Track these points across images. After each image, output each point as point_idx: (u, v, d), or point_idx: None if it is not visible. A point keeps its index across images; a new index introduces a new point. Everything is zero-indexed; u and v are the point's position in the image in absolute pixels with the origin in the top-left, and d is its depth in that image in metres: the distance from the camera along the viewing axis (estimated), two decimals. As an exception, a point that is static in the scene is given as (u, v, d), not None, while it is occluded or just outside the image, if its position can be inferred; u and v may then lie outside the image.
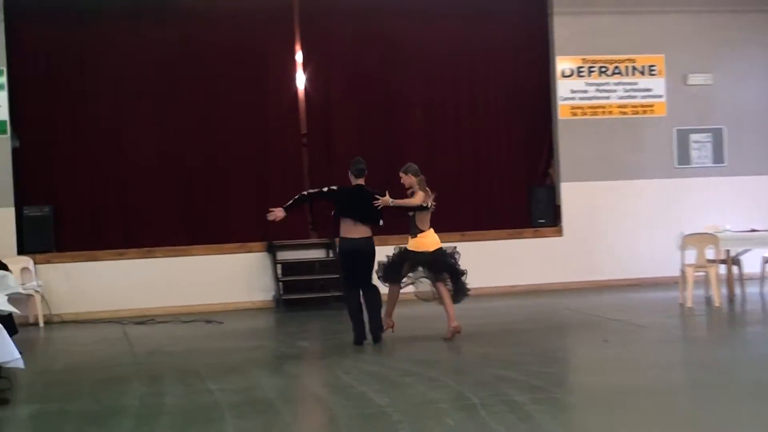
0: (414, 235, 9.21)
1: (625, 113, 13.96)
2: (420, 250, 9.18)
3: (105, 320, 11.87)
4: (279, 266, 12.61)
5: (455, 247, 9.47)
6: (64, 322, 11.91)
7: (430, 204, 9.24)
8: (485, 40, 13.76)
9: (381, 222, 9.20)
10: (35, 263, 11.98)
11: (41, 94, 12.45)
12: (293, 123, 13.24)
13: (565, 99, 13.83)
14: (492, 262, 13.25)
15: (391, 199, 9.05)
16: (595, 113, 13.91)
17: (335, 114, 13.38)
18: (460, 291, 9.29)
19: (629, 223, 13.74)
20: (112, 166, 12.65)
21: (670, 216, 13.78)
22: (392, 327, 9.27)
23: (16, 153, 12.22)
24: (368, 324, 9.15)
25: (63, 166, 12.53)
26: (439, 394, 6.79)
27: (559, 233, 13.68)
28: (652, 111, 14.02)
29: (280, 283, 12.52)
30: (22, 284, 11.00)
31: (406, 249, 9.31)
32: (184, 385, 7.51)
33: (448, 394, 6.82)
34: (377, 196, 9.01)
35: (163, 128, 12.81)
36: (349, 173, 9.26)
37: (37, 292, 11.71)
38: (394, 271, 9.28)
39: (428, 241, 9.24)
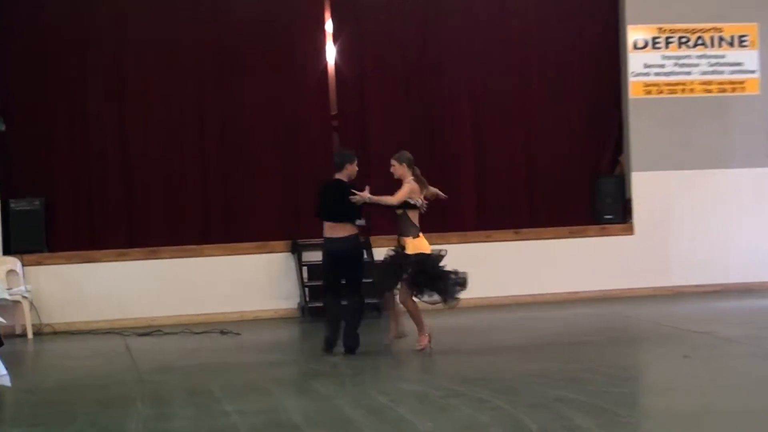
0: (415, 236, 9.40)
1: (709, 91, 13.80)
2: (418, 251, 9.36)
3: (104, 331, 11.93)
4: (305, 269, 12.65)
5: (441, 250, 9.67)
6: (57, 333, 11.97)
7: (420, 202, 9.37)
8: (541, 7, 13.72)
9: (361, 221, 9.45)
10: (23, 265, 12.02)
11: (32, 72, 12.58)
12: (322, 103, 13.33)
13: (638, 75, 13.70)
14: (550, 264, 13.30)
15: (368, 195, 9.24)
16: (673, 91, 13.76)
17: (370, 92, 13.45)
18: (450, 294, 9.45)
19: (713, 220, 13.66)
20: (113, 153, 12.75)
21: (764, 211, 13.63)
22: (428, 342, 9.41)
23: (1, 138, 12.30)
24: (343, 333, 9.46)
25: (56, 152, 12.63)
26: (489, 418, 6.77)
27: (630, 231, 13.60)
28: (742, 89, 13.85)
29: (306, 289, 12.55)
30: (8, 289, 11.12)
31: (403, 252, 9.41)
32: (195, 406, 7.53)
33: (499, 417, 6.78)
34: (354, 192, 9.20)
35: (173, 110, 12.93)
36: None
37: (25, 298, 11.77)
38: (394, 278, 9.41)
39: (426, 243, 9.46)
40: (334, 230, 9.45)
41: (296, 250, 12.72)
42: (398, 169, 9.48)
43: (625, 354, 9.52)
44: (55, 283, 12.21)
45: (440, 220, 13.06)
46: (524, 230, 13.42)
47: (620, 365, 8.80)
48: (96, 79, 12.71)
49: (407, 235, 9.39)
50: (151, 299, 12.39)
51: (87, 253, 12.42)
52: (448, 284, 9.46)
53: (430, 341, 9.49)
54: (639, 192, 13.62)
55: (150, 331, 11.79)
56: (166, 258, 12.50)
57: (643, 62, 13.69)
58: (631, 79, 13.67)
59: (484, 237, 13.30)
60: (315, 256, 12.69)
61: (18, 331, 11.88)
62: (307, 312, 12.41)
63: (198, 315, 12.39)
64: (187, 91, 12.89)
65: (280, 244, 12.75)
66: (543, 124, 13.83)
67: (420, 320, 9.51)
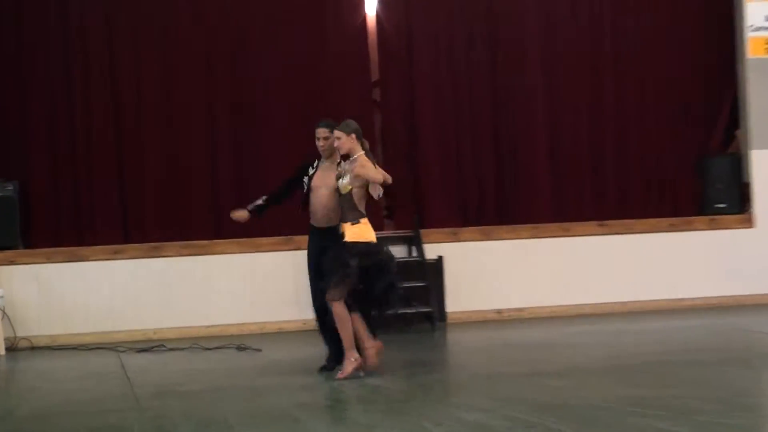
0: (355, 221, 9.40)
1: None
2: (365, 240, 9.43)
3: (93, 346, 12.01)
4: None
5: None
6: (35, 349, 12.08)
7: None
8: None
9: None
10: (-8, 264, 12.20)
11: (6, 25, 12.76)
12: (359, 66, 13.46)
13: (758, 29, 13.53)
14: (645, 264, 13.47)
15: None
16: (802, 49, 13.63)
17: (420, 54, 13.53)
18: (389, 306, 9.64)
19: None
20: (106, 127, 12.88)
21: None
22: (372, 358, 9.49)
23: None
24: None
25: (34, 125, 12.75)
26: (569, 456, 6.70)
27: (748, 223, 13.58)
28: None
29: None
30: (-26, 295, 11.26)
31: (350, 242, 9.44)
32: (204, 439, 7.53)
33: (583, 456, 6.71)
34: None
35: (178, 76, 13.09)
36: None
37: (-5, 305, 11.92)
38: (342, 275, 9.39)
39: (370, 231, 9.52)
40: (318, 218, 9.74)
41: None
42: (345, 142, 9.42)
43: (744, 376, 9.33)
44: (32, 287, 12.32)
45: (507, 210, 13.10)
46: (611, 222, 13.56)
47: (737, 390, 8.63)
48: (83, 40, 12.89)
49: (347, 220, 9.41)
50: (152, 307, 12.51)
51: (72, 250, 12.53)
52: (392, 292, 9.51)
53: (361, 366, 9.42)
54: (760, 174, 13.55)
55: (150, 346, 11.86)
56: (170, 256, 12.63)
57: (765, 14, 13.47)
58: (749, 35, 13.57)
59: (561, 231, 13.54)
60: None
61: (-13, 346, 11.98)
62: None
63: (209, 327, 12.48)
64: (194, 55, 13.10)
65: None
66: (635, 93, 13.93)
67: (349, 331, 9.39)
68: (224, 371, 10.38)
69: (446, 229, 13.28)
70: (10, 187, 12.32)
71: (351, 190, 9.39)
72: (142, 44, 13.00)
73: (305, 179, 9.69)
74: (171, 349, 11.65)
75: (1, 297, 11.92)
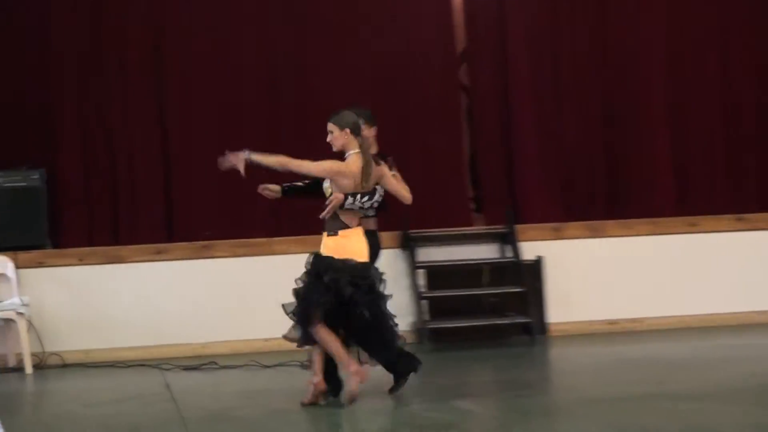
0: (332, 232, 9.43)
1: None
2: (342, 256, 9.40)
3: (134, 363, 12.10)
4: (422, 272, 12.84)
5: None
6: (66, 366, 12.14)
7: (351, 199, 9.29)
8: None
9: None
10: (17, 267, 12.25)
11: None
12: (443, 39, 13.46)
13: None
14: None
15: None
16: None
17: (514, 22, 13.46)
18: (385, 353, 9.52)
19: None
20: (148, 105, 13.00)
21: None
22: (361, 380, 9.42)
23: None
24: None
25: (66, 103, 12.81)
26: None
27: None
28: None
29: (424, 302, 12.68)
30: (-5, 302, 11.32)
31: (322, 256, 9.55)
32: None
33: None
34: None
35: (231, 55, 13.16)
36: None
37: (20, 315, 11.92)
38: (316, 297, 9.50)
39: (359, 246, 9.44)
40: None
41: (408, 246, 12.92)
42: (338, 138, 9.47)
43: None
44: (63, 294, 12.41)
45: (620, 202, 13.00)
46: (750, 216, 13.43)
47: None
48: (121, 7, 12.95)
49: (325, 229, 9.47)
50: (202, 317, 12.58)
51: (109, 250, 12.64)
52: (385, 332, 9.44)
53: (364, 377, 9.37)
54: None
55: (200, 363, 11.92)
56: (221, 257, 12.70)
57: None
58: None
59: (687, 226, 13.46)
60: (436, 254, 12.69)
61: (11, 363, 12.14)
62: (425, 335, 12.55)
63: (267, 340, 12.40)
64: (251, 32, 13.22)
65: (383, 236, 12.61)
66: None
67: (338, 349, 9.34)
68: (286, 393, 10.29)
69: (547, 225, 13.29)
70: (36, 176, 12.45)
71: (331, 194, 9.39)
72: (195, 19, 13.15)
73: None
74: (224, 367, 11.73)
75: (27, 305, 12.00)
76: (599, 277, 13.10)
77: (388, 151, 9.97)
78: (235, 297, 12.59)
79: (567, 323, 12.96)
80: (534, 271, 12.89)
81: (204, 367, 11.74)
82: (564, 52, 13.65)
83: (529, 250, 12.94)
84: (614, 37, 13.74)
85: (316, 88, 13.26)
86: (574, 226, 13.26)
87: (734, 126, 13.79)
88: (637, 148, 13.65)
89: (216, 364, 11.81)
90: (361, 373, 9.23)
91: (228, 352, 12.34)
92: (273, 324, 12.35)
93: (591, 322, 13.02)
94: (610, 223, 13.32)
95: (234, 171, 13.07)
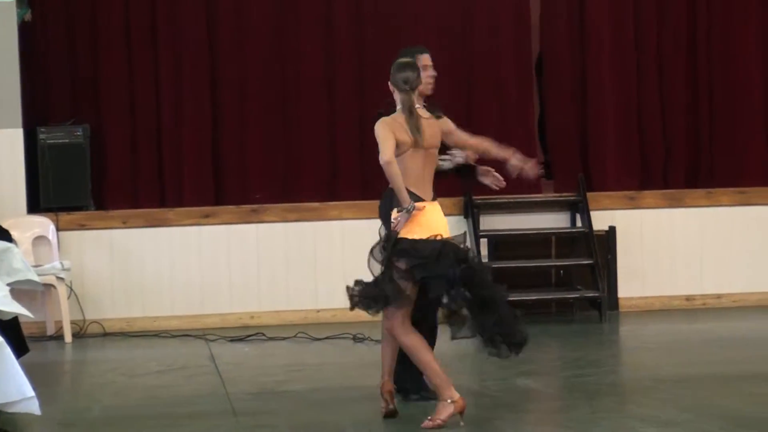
0: (398, 207, 8.45)
1: None
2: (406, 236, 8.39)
3: (178, 333, 12.22)
4: (485, 241, 12.82)
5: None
6: (108, 335, 12.31)
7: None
8: None
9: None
10: (58, 228, 12.34)
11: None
12: (519, 39, 13.52)
13: None
14: None
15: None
16: None
17: (592, 22, 13.38)
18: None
19: None
20: (195, 62, 13.02)
21: None
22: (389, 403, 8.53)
23: (26, 31, 12.56)
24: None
25: (108, 55, 12.89)
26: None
27: None
28: None
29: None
30: (36, 266, 11.20)
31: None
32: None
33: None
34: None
35: (285, 20, 13.26)
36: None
37: (60, 279, 11.99)
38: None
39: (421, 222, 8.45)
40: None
41: (472, 213, 12.86)
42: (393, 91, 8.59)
43: None
44: (105, 258, 12.53)
45: (702, 169, 12.90)
46: None
47: None
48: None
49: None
50: (249, 285, 12.65)
51: (154, 213, 12.76)
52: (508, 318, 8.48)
53: (460, 410, 8.26)
54: None
55: (246, 334, 11.99)
56: (272, 221, 12.78)
57: None
58: None
59: None
60: (501, 222, 12.69)
61: (50, 330, 12.25)
62: None
63: (319, 311, 12.52)
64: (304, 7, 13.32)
65: (445, 202, 12.60)
66: None
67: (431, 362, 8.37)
68: (338, 367, 10.47)
69: (621, 193, 13.18)
70: (79, 132, 12.50)
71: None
72: None
73: None
74: (271, 339, 11.80)
75: (68, 270, 12.03)
76: (676, 249, 13.02)
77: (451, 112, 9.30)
78: (285, 264, 12.67)
79: (640, 298, 12.94)
80: (606, 242, 12.81)
81: (251, 338, 11.82)
82: (648, 12, 13.53)
83: (601, 219, 12.86)
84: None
85: (381, 41, 13.19)
86: (650, 194, 13.19)
87: None
88: (724, 111, 13.47)
89: (263, 335, 11.87)
90: (460, 404, 8.15)
91: (276, 323, 12.44)
92: (325, 294, 12.57)
93: (666, 298, 13.00)
94: (690, 192, 13.23)
95: (290, 131, 13.22)
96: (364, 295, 8.36)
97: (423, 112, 8.42)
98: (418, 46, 9.02)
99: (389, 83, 8.40)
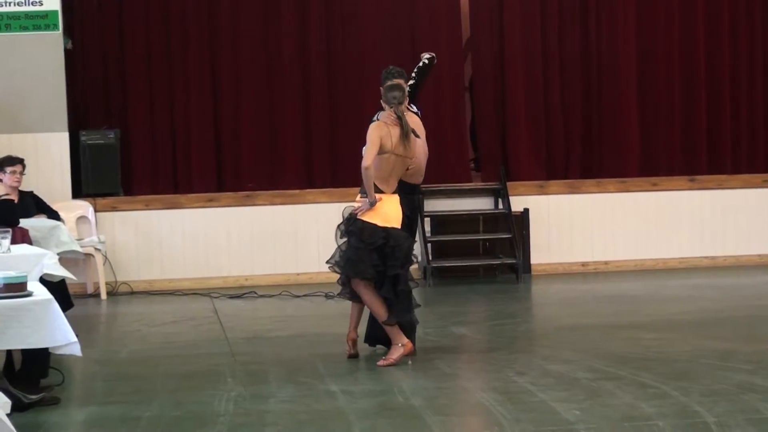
0: (361, 193, 8.29)
1: None
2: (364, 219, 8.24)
3: (189, 292, 12.25)
4: (427, 221, 12.80)
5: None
6: (134, 294, 12.32)
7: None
8: None
9: None
10: (95, 210, 12.37)
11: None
12: (450, 16, 13.38)
13: None
14: (736, 220, 13.37)
15: None
16: None
17: (511, 3, 13.37)
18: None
19: None
20: (203, 79, 13.01)
21: None
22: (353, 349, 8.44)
23: (70, 56, 12.57)
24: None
25: (135, 75, 12.90)
26: (653, 408, 6.67)
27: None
28: None
29: (429, 245, 12.66)
30: (79, 239, 11.37)
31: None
32: (294, 385, 7.60)
33: (666, 406, 6.69)
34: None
35: (271, 33, 13.12)
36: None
37: (97, 250, 12.03)
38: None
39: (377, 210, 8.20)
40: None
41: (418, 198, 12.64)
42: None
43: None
44: (132, 234, 12.56)
45: (594, 164, 13.02)
46: (702, 177, 13.40)
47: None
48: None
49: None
50: (244, 254, 12.67)
51: (170, 198, 12.75)
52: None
53: (409, 352, 8.17)
54: None
55: (242, 292, 12.03)
56: (263, 205, 12.75)
57: None
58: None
59: (649, 185, 13.40)
60: (440, 205, 12.77)
61: (90, 290, 12.29)
62: (429, 273, 12.50)
63: (299, 274, 12.60)
64: (288, 10, 13.11)
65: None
66: (729, 43, 13.63)
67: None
68: (313, 318, 10.50)
69: (532, 182, 13.21)
70: (112, 135, 12.50)
71: None
72: (244, 19, 13.05)
73: None
74: (261, 296, 11.81)
75: (103, 243, 12.11)
76: (574, 226, 13.10)
77: None
78: (273, 238, 12.65)
79: (547, 264, 12.97)
80: (521, 220, 12.85)
81: (245, 295, 11.85)
82: (551, 40, 13.42)
83: (517, 203, 12.92)
84: (594, 29, 13.50)
85: (343, 55, 13.14)
86: (555, 183, 13.24)
87: (689, 105, 13.53)
88: (609, 120, 13.51)
89: (255, 293, 11.93)
90: (408, 347, 8.11)
91: (266, 283, 12.41)
92: (304, 261, 12.64)
93: (567, 264, 13.06)
94: (585, 182, 13.27)
95: (276, 132, 13.25)
96: (335, 263, 8.36)
97: (411, 117, 8.30)
98: (395, 71, 8.64)
99: (381, 100, 8.24)
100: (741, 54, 13.64)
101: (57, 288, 7.75)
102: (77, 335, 6.97)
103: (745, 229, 13.25)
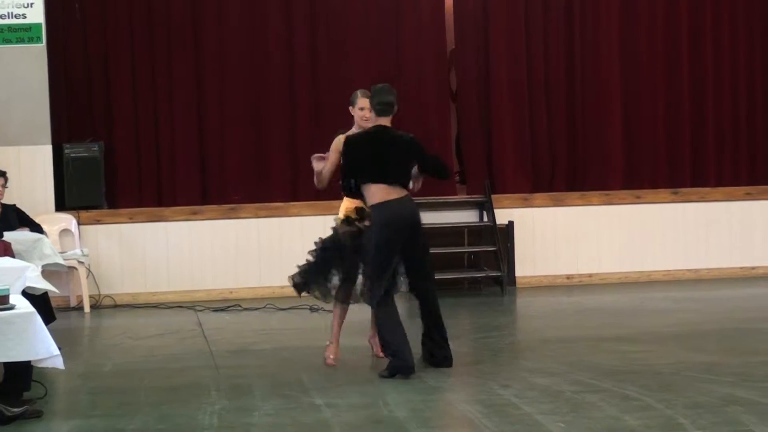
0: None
1: None
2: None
3: (173, 305, 12.21)
4: None
5: None
6: (117, 307, 12.26)
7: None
8: None
9: (411, 185, 8.62)
10: (79, 223, 12.31)
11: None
12: (435, 30, 13.35)
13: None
14: (719, 232, 13.35)
15: None
16: None
17: (496, 17, 13.41)
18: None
19: None
20: (187, 92, 12.97)
21: None
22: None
23: (54, 71, 12.48)
24: (428, 340, 8.57)
25: (118, 87, 12.85)
26: (637, 420, 6.69)
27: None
28: None
29: None
30: (62, 252, 11.36)
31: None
32: (279, 398, 7.59)
33: (650, 419, 6.71)
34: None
35: (257, 46, 13.11)
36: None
37: (81, 263, 11.97)
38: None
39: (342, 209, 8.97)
40: (395, 193, 8.35)
41: None
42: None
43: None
44: (115, 246, 12.51)
45: (578, 177, 13.04)
46: (685, 190, 13.41)
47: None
48: (167, 6, 12.92)
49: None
50: (229, 267, 12.65)
51: (153, 211, 12.71)
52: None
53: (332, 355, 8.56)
54: None
55: (226, 305, 12.01)
56: (247, 218, 12.74)
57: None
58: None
59: (633, 198, 13.40)
60: (425, 218, 12.56)
61: (73, 303, 12.25)
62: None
63: (284, 287, 12.32)
64: (273, 24, 13.12)
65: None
66: (712, 58, 13.66)
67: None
68: (298, 331, 10.49)
69: (517, 195, 13.22)
70: (96, 148, 12.44)
71: None
72: (228, 4, 13.05)
73: None
74: (246, 309, 11.80)
75: (87, 255, 12.05)
76: (560, 239, 13.10)
77: None
78: (257, 251, 12.63)
79: (531, 277, 12.96)
80: (506, 233, 12.85)
81: (230, 308, 11.85)
82: (536, 53, 13.42)
83: (502, 215, 12.92)
84: (578, 43, 13.52)
85: (336, 63, 13.13)
86: (540, 196, 13.24)
87: (673, 119, 13.53)
88: (593, 134, 13.53)
89: (240, 306, 11.90)
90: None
91: (250, 296, 12.40)
92: (287, 273, 12.49)
93: (551, 276, 13.05)
94: (569, 195, 13.29)
95: (261, 146, 13.25)
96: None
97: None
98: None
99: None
100: (724, 68, 13.67)
101: (39, 301, 7.75)
102: (60, 348, 6.98)
103: (728, 242, 13.28)
